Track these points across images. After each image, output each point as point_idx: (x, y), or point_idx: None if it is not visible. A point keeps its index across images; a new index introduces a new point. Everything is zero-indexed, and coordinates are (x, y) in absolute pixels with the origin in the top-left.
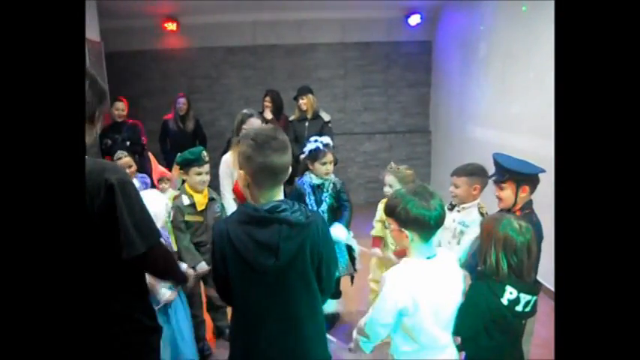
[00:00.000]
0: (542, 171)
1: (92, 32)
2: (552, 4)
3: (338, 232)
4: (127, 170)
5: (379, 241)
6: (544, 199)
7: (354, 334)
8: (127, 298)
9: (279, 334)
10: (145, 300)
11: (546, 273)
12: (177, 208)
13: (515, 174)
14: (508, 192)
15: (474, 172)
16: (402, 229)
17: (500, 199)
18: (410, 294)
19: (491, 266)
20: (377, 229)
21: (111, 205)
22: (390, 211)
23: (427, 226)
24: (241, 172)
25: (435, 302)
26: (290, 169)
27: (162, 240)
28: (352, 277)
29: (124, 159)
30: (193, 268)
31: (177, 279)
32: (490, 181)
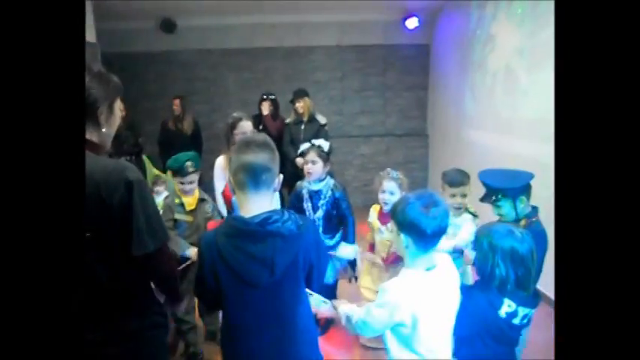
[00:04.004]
0: (531, 177)
1: (88, 33)
2: (549, 5)
3: (345, 252)
4: None
5: (372, 246)
6: (538, 202)
7: (343, 317)
8: (142, 295)
9: (272, 345)
10: (153, 296)
11: (541, 278)
12: (167, 207)
13: (507, 190)
14: (507, 208)
15: (468, 177)
16: (399, 233)
17: (501, 216)
18: (407, 309)
19: (500, 279)
20: (370, 235)
21: (128, 202)
22: (392, 213)
23: (422, 234)
24: (231, 179)
25: (434, 316)
26: (275, 173)
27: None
28: (356, 279)
29: None
30: (182, 257)
31: (174, 292)
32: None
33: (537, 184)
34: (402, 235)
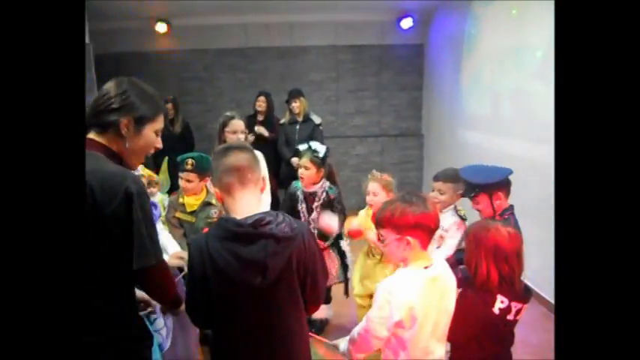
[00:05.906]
0: (510, 172)
1: None
2: (543, 5)
3: (329, 220)
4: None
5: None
6: (533, 202)
7: (347, 344)
8: (119, 307)
9: (267, 351)
10: (134, 309)
11: (534, 277)
12: (171, 203)
13: (483, 186)
14: (484, 204)
15: (459, 177)
16: (403, 237)
17: (479, 211)
18: (407, 307)
19: (482, 276)
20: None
21: (125, 212)
22: (386, 221)
23: (428, 229)
24: (216, 189)
25: (432, 315)
26: (258, 172)
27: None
28: (346, 285)
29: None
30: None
31: (173, 302)
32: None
33: (533, 184)
34: (408, 237)
